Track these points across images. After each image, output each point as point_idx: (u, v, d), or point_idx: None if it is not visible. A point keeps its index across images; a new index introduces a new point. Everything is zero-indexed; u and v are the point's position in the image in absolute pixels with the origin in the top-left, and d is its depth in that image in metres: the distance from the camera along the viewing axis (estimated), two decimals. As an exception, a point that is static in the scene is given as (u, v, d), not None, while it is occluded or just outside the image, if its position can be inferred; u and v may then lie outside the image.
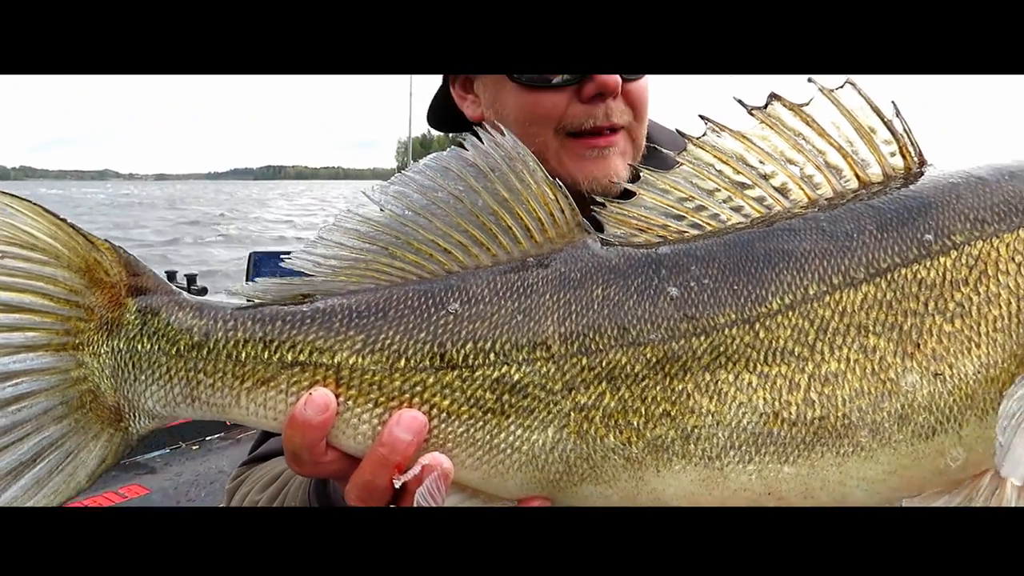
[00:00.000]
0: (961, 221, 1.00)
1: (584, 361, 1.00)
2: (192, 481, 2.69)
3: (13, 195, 1.05)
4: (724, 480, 0.99)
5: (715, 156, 1.08)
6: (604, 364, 1.00)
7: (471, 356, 1.00)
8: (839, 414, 0.97)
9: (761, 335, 0.99)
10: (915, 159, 1.07)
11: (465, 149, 1.08)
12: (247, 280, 1.15)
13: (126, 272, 1.08)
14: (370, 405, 1.00)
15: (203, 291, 6.34)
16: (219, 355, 1.02)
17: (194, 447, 4.12)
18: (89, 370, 1.06)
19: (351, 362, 1.01)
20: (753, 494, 1.00)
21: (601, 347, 1.00)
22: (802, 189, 1.07)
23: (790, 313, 0.99)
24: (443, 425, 1.00)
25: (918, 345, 0.97)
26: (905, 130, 1.07)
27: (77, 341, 1.06)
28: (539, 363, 1.00)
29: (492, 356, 1.00)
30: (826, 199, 1.06)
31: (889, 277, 0.99)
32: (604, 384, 1.00)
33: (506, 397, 1.00)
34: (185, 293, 1.08)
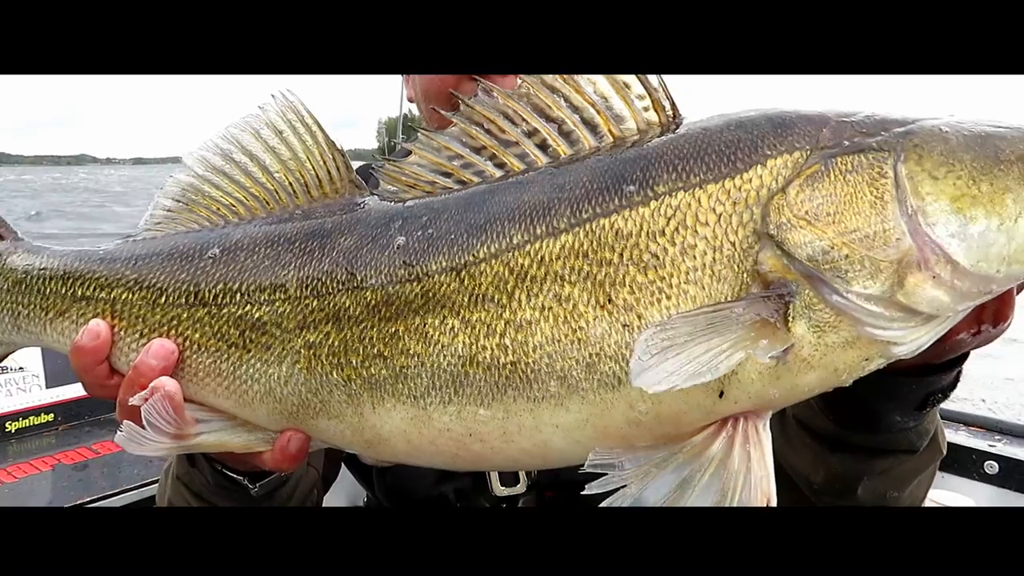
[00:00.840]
0: (668, 172, 0.99)
1: (315, 303, 1.08)
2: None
3: None
4: (429, 420, 1.04)
5: (483, 116, 1.12)
6: (331, 306, 1.08)
7: (220, 295, 1.12)
8: (529, 360, 0.99)
9: (466, 282, 1.02)
10: (667, 113, 1.06)
11: (263, 112, 1.20)
12: None
13: None
14: (136, 335, 1.15)
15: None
16: (31, 288, 1.21)
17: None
18: None
19: (123, 297, 1.16)
20: (456, 435, 1.04)
21: (330, 290, 1.08)
22: (558, 146, 1.09)
23: (493, 261, 1.02)
24: (195, 356, 1.13)
25: (610, 295, 0.97)
26: (660, 85, 1.07)
27: None
28: (277, 303, 1.10)
29: (238, 296, 1.11)
30: (571, 155, 1.08)
31: (588, 227, 1.00)
32: (330, 324, 1.07)
33: (248, 333, 1.11)
34: (27, 240, 1.28)
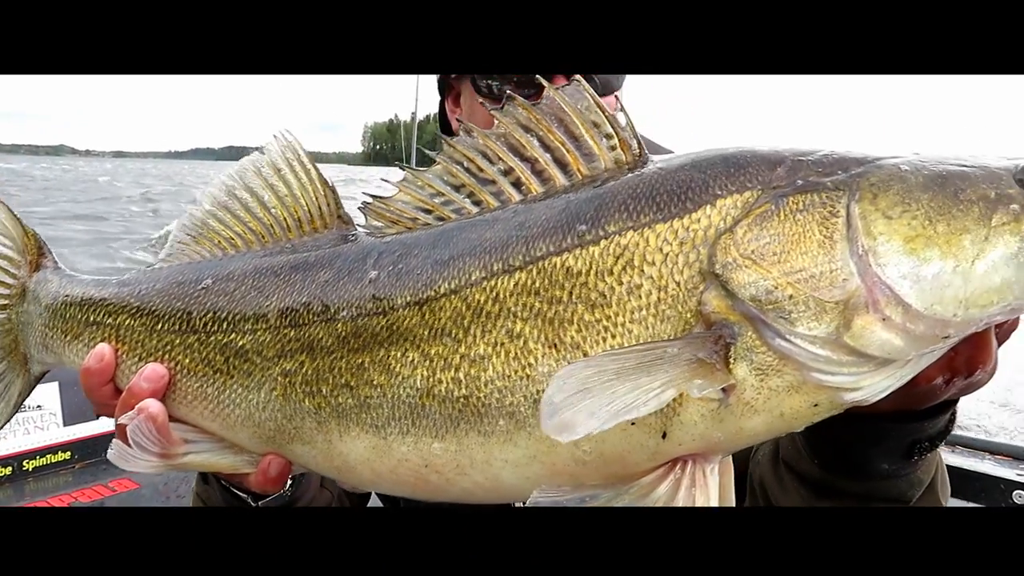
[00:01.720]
0: (620, 212, 0.99)
1: (292, 332, 1.13)
2: (182, 477, 2.73)
3: None
4: (389, 449, 1.07)
5: (463, 155, 1.15)
6: (306, 336, 1.12)
7: (209, 323, 1.19)
8: (481, 395, 1.01)
9: (427, 316, 1.05)
10: (633, 152, 1.07)
11: (263, 154, 1.27)
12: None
13: (37, 252, 1.41)
14: (136, 358, 1.23)
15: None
16: (56, 314, 1.32)
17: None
18: (13, 324, 1.40)
19: (126, 323, 1.24)
20: (414, 465, 1.06)
21: (306, 321, 1.13)
22: (530, 184, 1.11)
23: (453, 297, 1.04)
24: (186, 380, 1.19)
25: (559, 333, 0.98)
26: (627, 124, 1.07)
27: (11, 302, 1.41)
28: (259, 332, 1.16)
29: (225, 324, 1.18)
30: (542, 193, 1.09)
31: (541, 265, 1.01)
32: (305, 354, 1.12)
33: (232, 360, 1.17)
34: (63, 268, 1.39)
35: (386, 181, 1.36)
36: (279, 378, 1.14)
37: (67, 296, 1.33)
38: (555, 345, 0.98)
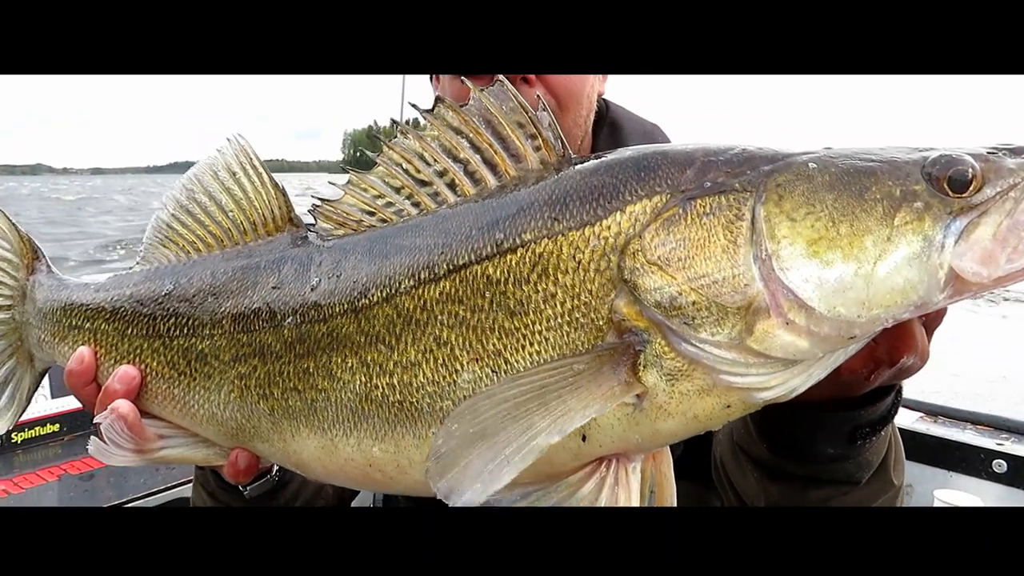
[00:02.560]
0: (536, 219, 1.00)
1: (245, 338, 1.19)
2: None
3: None
4: (335, 450, 1.12)
5: (402, 157, 1.17)
6: (257, 341, 1.17)
7: (171, 328, 1.25)
8: (414, 399, 1.05)
9: (363, 324, 1.09)
10: (557, 152, 1.07)
11: (220, 155, 1.31)
12: None
13: (33, 256, 1.49)
14: (112, 361, 1.30)
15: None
16: (45, 317, 1.40)
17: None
18: (17, 323, 1.48)
19: (102, 328, 1.31)
20: (359, 464, 1.11)
21: (257, 327, 1.18)
22: (463, 186, 1.12)
23: (385, 305, 1.08)
24: (155, 382, 1.26)
25: (481, 341, 1.01)
26: (550, 125, 1.07)
27: (14, 303, 1.49)
28: (216, 337, 1.21)
29: (186, 329, 1.24)
30: (474, 195, 1.11)
31: (463, 273, 1.03)
32: (257, 359, 1.17)
33: (193, 363, 1.23)
34: (55, 271, 1.46)
35: (333, 184, 1.39)
36: (235, 381, 1.19)
37: (54, 300, 1.40)
38: (478, 352, 1.01)
